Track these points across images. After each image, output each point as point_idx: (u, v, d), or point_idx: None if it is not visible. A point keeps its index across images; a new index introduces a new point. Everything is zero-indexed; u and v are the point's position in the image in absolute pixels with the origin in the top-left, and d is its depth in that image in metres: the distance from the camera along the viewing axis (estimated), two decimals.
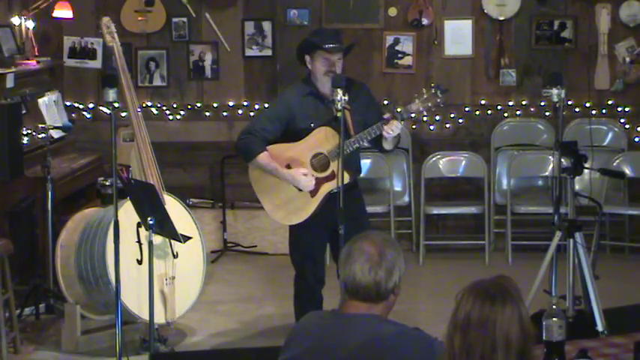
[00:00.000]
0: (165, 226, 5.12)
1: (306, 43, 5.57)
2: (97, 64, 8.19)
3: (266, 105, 8.01)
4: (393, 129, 5.35)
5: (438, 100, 5.49)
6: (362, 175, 7.56)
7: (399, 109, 5.51)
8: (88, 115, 8.29)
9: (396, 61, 8.13)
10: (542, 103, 8.04)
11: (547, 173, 7.87)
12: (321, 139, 5.46)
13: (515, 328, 2.56)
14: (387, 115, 5.44)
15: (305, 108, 5.50)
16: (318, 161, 5.49)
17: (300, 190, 5.48)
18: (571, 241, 5.27)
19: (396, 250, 3.08)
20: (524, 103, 8.13)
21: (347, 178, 5.29)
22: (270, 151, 5.49)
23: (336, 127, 5.27)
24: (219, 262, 7.80)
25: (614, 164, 7.70)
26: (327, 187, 5.46)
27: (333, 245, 5.49)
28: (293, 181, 5.46)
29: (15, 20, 7.51)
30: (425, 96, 5.47)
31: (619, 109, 8.04)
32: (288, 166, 5.49)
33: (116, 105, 5.12)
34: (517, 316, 2.57)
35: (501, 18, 8.04)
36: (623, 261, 7.75)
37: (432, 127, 8.15)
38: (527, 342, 2.57)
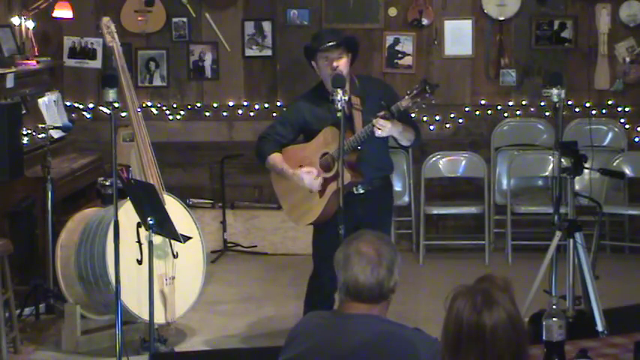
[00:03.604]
0: (165, 226, 5.12)
1: (306, 51, 5.57)
2: (97, 64, 8.19)
3: (266, 106, 8.08)
4: (380, 127, 5.33)
5: (427, 95, 5.47)
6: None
7: (391, 108, 5.47)
8: (88, 115, 8.29)
9: (396, 61, 8.13)
10: (542, 103, 8.04)
11: (547, 173, 7.87)
12: (328, 139, 5.48)
13: (506, 331, 2.50)
14: (379, 114, 5.43)
15: (316, 111, 5.53)
16: (324, 161, 5.50)
17: (309, 189, 5.50)
18: (571, 241, 5.27)
19: (391, 247, 3.08)
20: (524, 103, 8.13)
21: (347, 178, 5.29)
22: (285, 152, 5.55)
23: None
24: (219, 262, 7.80)
25: (614, 164, 7.70)
26: (333, 187, 5.46)
27: None
28: (297, 179, 5.47)
29: (15, 20, 7.52)
30: (415, 92, 5.47)
31: (619, 109, 8.04)
32: (301, 167, 5.52)
33: (116, 105, 5.12)
34: (505, 318, 2.50)
35: (501, 18, 8.05)
36: (623, 261, 7.75)
37: (432, 127, 8.14)
38: (520, 342, 2.52)
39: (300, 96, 5.84)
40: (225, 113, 8.27)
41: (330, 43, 5.45)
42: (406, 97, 5.47)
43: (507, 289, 2.55)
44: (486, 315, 2.49)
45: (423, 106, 5.55)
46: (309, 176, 5.45)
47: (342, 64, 5.44)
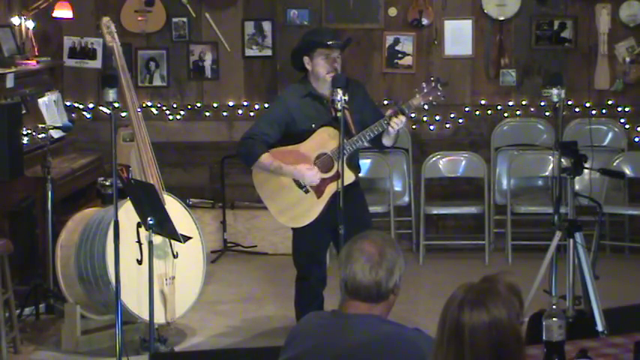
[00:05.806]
0: (165, 226, 5.12)
1: (305, 44, 5.53)
2: (97, 64, 8.19)
3: (266, 106, 8.04)
4: (397, 123, 5.33)
5: (439, 93, 5.48)
6: (362, 175, 7.60)
7: (402, 105, 5.47)
8: (88, 115, 8.29)
9: (396, 61, 8.13)
10: (542, 103, 8.04)
11: (547, 173, 7.87)
12: (325, 140, 5.44)
13: (486, 335, 2.44)
14: (390, 111, 5.42)
15: (304, 109, 5.48)
16: (322, 162, 5.47)
17: (303, 188, 5.47)
18: (571, 241, 5.27)
19: (395, 250, 3.08)
20: (524, 103, 8.13)
21: (352, 178, 5.29)
22: (273, 154, 5.47)
23: (337, 126, 5.26)
24: (219, 262, 7.80)
25: (614, 164, 7.70)
26: (332, 187, 5.44)
27: (337, 245, 5.48)
28: (298, 175, 5.42)
29: (15, 20, 7.52)
30: (425, 90, 5.47)
31: (619, 109, 8.04)
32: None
33: (116, 105, 5.12)
34: (487, 322, 2.44)
35: (501, 18, 8.04)
36: (623, 261, 7.76)
37: (432, 127, 8.14)
38: (506, 349, 2.46)
39: (284, 93, 5.77)
40: (225, 113, 8.27)
41: (337, 41, 5.46)
42: (417, 95, 5.47)
43: (509, 293, 2.51)
44: (467, 314, 2.47)
45: (434, 103, 5.54)
46: (311, 172, 5.42)
47: (339, 64, 5.46)
